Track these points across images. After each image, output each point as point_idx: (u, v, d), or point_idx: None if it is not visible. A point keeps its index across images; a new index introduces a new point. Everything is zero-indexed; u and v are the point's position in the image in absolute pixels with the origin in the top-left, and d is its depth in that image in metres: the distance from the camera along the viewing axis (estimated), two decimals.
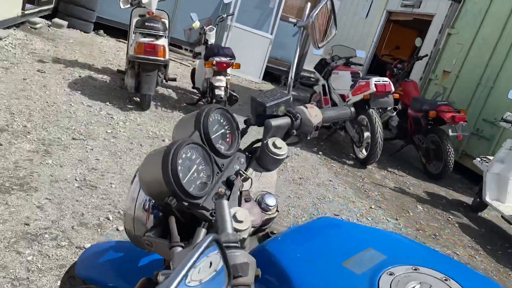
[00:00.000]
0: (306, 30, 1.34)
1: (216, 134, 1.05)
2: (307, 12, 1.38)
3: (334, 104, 6.14)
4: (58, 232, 2.57)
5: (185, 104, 5.84)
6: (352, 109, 1.29)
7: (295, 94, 8.67)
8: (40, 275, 2.21)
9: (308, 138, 1.17)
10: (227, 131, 1.09)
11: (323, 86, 6.37)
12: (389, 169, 5.84)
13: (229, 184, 1.02)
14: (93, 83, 5.54)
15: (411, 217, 4.49)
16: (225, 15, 6.47)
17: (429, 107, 5.73)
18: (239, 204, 0.99)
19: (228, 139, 1.08)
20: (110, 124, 4.42)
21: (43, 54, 6.06)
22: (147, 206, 1.06)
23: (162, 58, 4.82)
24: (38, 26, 7.30)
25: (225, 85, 5.30)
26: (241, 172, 1.02)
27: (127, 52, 5.45)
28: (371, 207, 4.42)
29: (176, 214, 0.96)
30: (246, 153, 1.13)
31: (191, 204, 0.94)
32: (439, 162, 5.72)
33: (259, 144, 1.16)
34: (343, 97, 5.98)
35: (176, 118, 5.20)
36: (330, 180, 4.82)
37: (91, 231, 2.67)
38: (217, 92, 5.23)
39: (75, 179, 3.19)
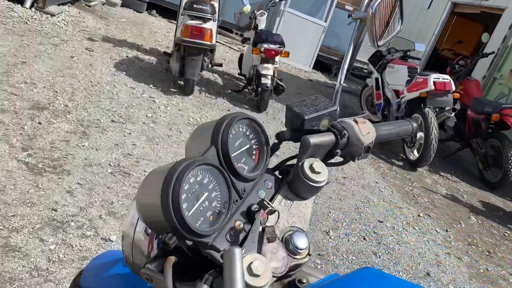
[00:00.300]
0: (363, 23, 1.09)
1: (239, 151, 0.84)
2: (366, 0, 1.12)
3: (386, 100, 5.77)
4: (85, 220, 2.47)
5: (230, 91, 5.67)
6: (415, 124, 1.04)
7: (345, 86, 8.30)
8: (60, 266, 2.11)
9: (356, 160, 0.94)
10: (254, 146, 0.88)
11: (376, 79, 6.00)
12: (442, 174, 5.43)
13: (249, 215, 0.82)
14: (139, 64, 5.47)
15: (463, 229, 4.12)
16: (278, 0, 6.19)
17: (492, 109, 5.24)
18: (260, 245, 0.78)
19: (254, 157, 0.87)
20: (151, 108, 4.32)
21: (93, 32, 6.06)
22: (149, 231, 0.88)
23: (208, 42, 4.64)
24: (92, 3, 7.34)
25: (272, 73, 5.07)
26: (266, 202, 0.80)
27: (175, 34, 5.33)
28: (419, 215, 4.09)
29: (177, 252, 0.77)
30: (276, 174, 0.92)
31: (197, 243, 0.74)
32: (498, 170, 5.24)
33: (294, 161, 0.94)
34: (397, 93, 5.59)
35: (219, 105, 5.04)
36: (377, 182, 4.51)
37: (118, 221, 2.56)
38: (263, 80, 5.01)
39: (109, 164, 3.10)
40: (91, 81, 4.43)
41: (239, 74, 5.97)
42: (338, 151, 0.92)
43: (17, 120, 3.25)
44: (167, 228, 0.72)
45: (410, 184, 4.79)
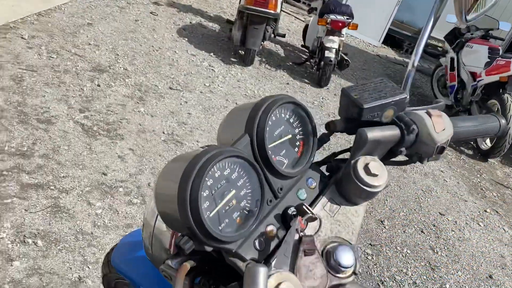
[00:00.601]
0: None
1: (279, 142, 0.70)
2: None
3: (460, 82, 5.31)
4: (133, 187, 2.46)
5: (291, 63, 5.47)
6: (503, 121, 0.84)
7: (417, 65, 7.77)
8: (104, 232, 2.11)
9: (425, 162, 0.77)
10: (298, 137, 0.73)
11: (452, 59, 5.52)
12: None
13: (285, 220, 0.68)
14: (202, 31, 5.39)
15: None
16: None
17: None
18: (294, 258, 0.65)
19: (297, 149, 0.73)
20: (209, 77, 4.24)
21: None
22: None
23: (272, 11, 4.45)
24: None
25: (337, 46, 4.80)
26: (305, 207, 0.66)
27: (239, 1, 5.17)
28: (485, 211, 3.76)
29: (197, 254, 0.66)
30: (323, 171, 0.77)
31: (218, 249, 0.63)
32: None
33: (345, 155, 0.79)
34: (473, 75, 5.12)
35: (278, 78, 4.87)
36: (441, 171, 4.19)
37: None
38: (327, 53, 4.76)
39: (163, 132, 3.07)
40: (153, 46, 4.41)
41: (302, 46, 5.73)
42: (403, 149, 0.75)
43: (77, 81, 3.30)
44: (183, 228, 0.61)
45: (478, 175, 4.41)
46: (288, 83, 4.82)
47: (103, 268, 1.33)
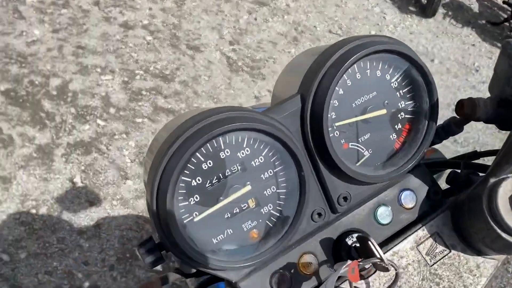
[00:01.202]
0: None
1: (359, 119, 0.41)
2: None
3: None
4: None
5: (484, 22, 4.56)
6: None
7: None
8: None
9: None
10: (401, 115, 0.42)
11: None
12: None
13: (336, 251, 0.41)
14: None
15: None
16: None
17: None
18: None
19: (395, 136, 0.43)
20: (377, 24, 3.77)
21: None
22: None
23: None
24: None
25: None
26: (372, 245, 0.37)
27: None
28: None
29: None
30: (435, 181, 0.45)
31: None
32: None
33: (488, 159, 0.46)
34: None
35: (462, 37, 4.11)
36: None
37: None
38: None
39: None
40: None
41: (503, 2, 4.71)
42: None
43: (236, 11, 3.21)
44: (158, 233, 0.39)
45: None
46: (474, 45, 4.04)
47: None
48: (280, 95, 0.46)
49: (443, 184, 0.57)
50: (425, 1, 4.21)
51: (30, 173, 1.93)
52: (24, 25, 2.51)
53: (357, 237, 0.39)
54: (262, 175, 0.39)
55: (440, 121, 0.45)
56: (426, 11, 4.16)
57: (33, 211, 1.83)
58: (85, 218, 1.87)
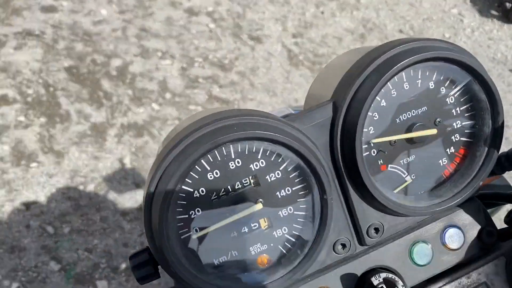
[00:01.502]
0: None
1: (401, 136, 0.33)
2: None
3: None
4: None
5: None
6: None
7: None
8: None
9: None
10: (455, 137, 0.34)
11: None
12: None
13: None
14: None
15: None
16: None
17: None
18: None
19: (446, 161, 0.34)
20: (453, 27, 3.52)
21: None
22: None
23: None
24: None
25: None
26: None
27: None
28: None
29: None
30: (491, 220, 0.36)
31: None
32: None
33: None
34: None
35: None
36: None
37: None
38: None
39: None
40: None
41: None
42: None
43: (303, 3, 3.11)
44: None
45: None
46: None
47: None
48: (311, 101, 0.39)
49: (499, 223, 0.46)
50: (510, 5, 3.88)
51: (82, 150, 1.97)
52: (93, 4, 2.57)
53: (383, 279, 0.31)
54: (278, 193, 0.33)
55: (504, 147, 0.36)
56: (509, 16, 3.83)
57: (81, 187, 1.87)
58: (129, 200, 1.88)
